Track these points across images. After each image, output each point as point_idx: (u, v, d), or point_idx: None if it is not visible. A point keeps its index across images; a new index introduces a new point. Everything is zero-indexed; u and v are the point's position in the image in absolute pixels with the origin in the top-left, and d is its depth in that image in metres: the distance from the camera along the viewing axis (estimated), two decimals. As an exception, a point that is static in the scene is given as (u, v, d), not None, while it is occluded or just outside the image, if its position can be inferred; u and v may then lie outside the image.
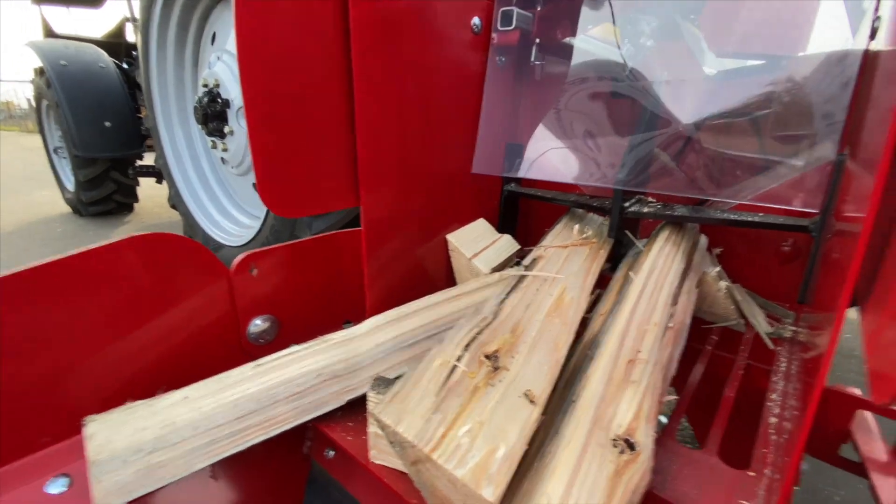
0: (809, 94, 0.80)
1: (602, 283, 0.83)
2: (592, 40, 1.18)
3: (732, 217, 0.78)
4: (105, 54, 3.95)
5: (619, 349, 0.59)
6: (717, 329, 0.83)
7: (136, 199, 4.29)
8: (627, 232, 0.87)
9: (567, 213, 1.01)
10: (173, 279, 0.71)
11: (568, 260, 0.82)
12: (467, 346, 0.56)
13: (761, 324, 0.81)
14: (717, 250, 0.93)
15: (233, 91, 1.86)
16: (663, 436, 0.59)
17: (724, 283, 0.82)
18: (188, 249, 0.71)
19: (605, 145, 1.04)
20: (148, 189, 4.44)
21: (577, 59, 1.11)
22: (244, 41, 0.58)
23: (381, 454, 0.61)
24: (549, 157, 1.04)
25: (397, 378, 0.54)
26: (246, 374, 0.65)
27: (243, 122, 1.80)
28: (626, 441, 0.49)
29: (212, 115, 1.93)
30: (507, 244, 1.05)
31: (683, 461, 0.55)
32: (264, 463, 0.75)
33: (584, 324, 0.73)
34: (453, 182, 0.97)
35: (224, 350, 0.77)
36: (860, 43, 0.75)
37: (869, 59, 0.69)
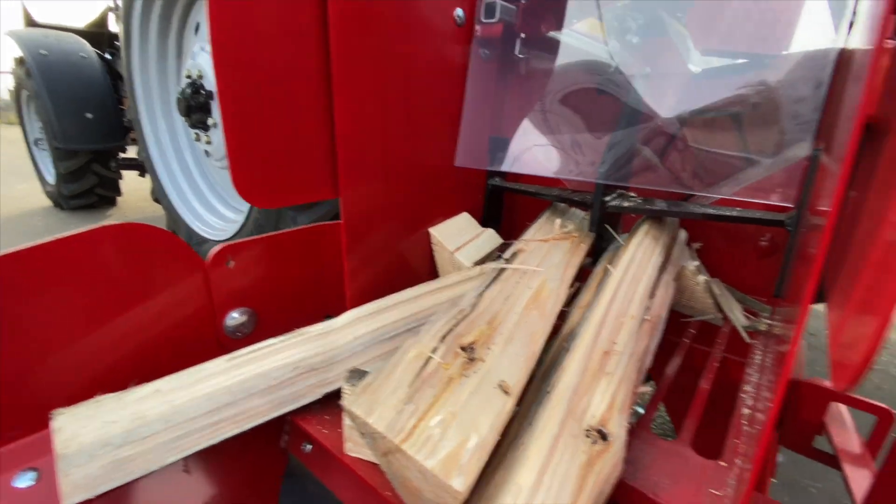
0: (786, 92, 0.81)
1: (583, 277, 0.83)
2: (578, 35, 1.18)
3: (711, 212, 0.78)
4: (87, 44, 3.86)
5: (595, 341, 0.59)
6: (695, 322, 0.84)
7: (118, 192, 4.21)
8: (608, 226, 0.87)
9: (549, 207, 1.01)
10: (148, 270, 0.69)
11: (549, 253, 0.82)
12: (443, 337, 0.56)
13: (738, 317, 0.82)
14: (697, 245, 0.94)
15: (217, 83, 1.82)
16: (638, 427, 0.60)
17: (702, 278, 0.83)
18: (163, 240, 0.70)
19: (588, 141, 1.04)
20: (131, 182, 4.36)
21: (562, 56, 1.11)
22: (217, 25, 0.56)
23: (356, 447, 0.61)
24: (532, 152, 1.04)
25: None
26: (220, 367, 0.64)
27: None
28: (599, 432, 0.49)
29: (195, 106, 1.89)
30: (490, 238, 1.04)
31: (656, 452, 0.56)
32: (241, 457, 0.74)
33: (563, 317, 0.74)
34: (436, 175, 0.96)
35: (200, 343, 0.76)
36: (840, 41, 0.76)
37: (844, 57, 0.70)
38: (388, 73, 0.76)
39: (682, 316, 0.85)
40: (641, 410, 1.06)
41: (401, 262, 0.93)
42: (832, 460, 0.80)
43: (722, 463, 0.54)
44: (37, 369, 0.62)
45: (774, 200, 0.77)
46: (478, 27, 0.92)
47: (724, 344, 0.78)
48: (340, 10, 0.65)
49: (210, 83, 1.84)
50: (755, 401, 0.65)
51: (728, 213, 0.77)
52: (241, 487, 0.75)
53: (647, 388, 0.56)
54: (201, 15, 2.05)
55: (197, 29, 2.09)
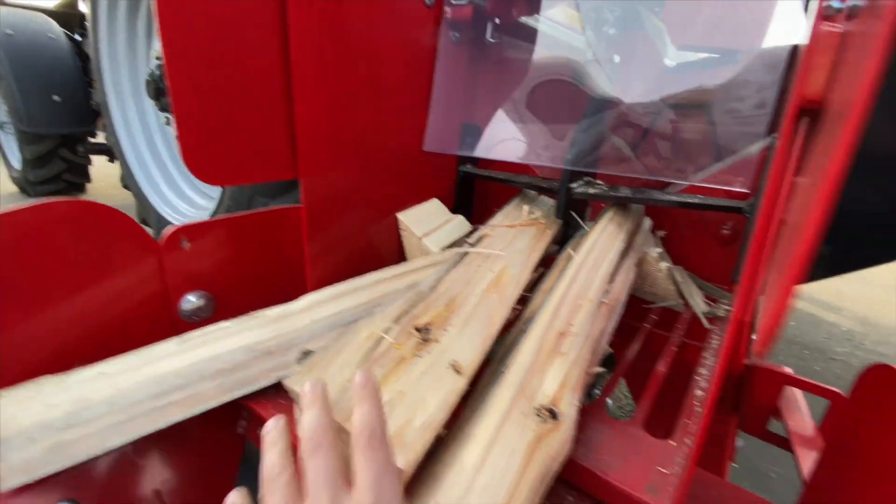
0: (749, 83, 0.82)
1: (549, 264, 0.83)
2: (553, 24, 1.18)
3: (674, 198, 0.79)
4: (55, 24, 3.71)
5: (552, 322, 0.59)
6: (656, 309, 0.85)
7: (87, 178, 4.07)
8: (573, 213, 0.87)
9: (519, 194, 1.01)
10: (97, 250, 0.67)
11: (514, 239, 0.82)
12: (398, 318, 0.55)
13: (699, 304, 0.83)
14: (661, 233, 0.95)
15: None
16: (592, 408, 0.60)
17: (664, 265, 0.84)
18: (113, 219, 0.67)
19: (557, 128, 1.04)
20: (101, 169, 4.22)
21: (535, 44, 1.10)
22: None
23: (309, 430, 0.59)
24: (502, 138, 1.04)
25: (323, 351, 0.53)
26: (169, 350, 0.62)
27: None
28: (550, 410, 0.49)
29: (165, 89, 1.84)
30: (460, 225, 1.04)
31: (609, 433, 0.56)
32: (197, 442, 0.72)
33: (527, 303, 0.73)
34: (405, 160, 0.95)
35: (154, 327, 0.74)
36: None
37: (797, 50, 0.72)
38: (352, 50, 0.75)
39: (644, 302, 0.86)
40: (599, 393, 1.07)
41: (366, 248, 0.92)
42: (786, 443, 0.82)
43: (672, 442, 0.55)
44: (-25, 352, 0.59)
45: (736, 187, 0.78)
46: (447, 8, 0.90)
47: (684, 329, 0.80)
48: (299, -17, 0.63)
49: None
50: (708, 383, 0.66)
51: (690, 200, 0.78)
52: (197, 473, 0.73)
53: (601, 369, 0.56)
54: (172, -6, 1.98)
55: (167, 9, 2.02)
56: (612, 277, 0.69)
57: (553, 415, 0.49)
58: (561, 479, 0.53)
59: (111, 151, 2.97)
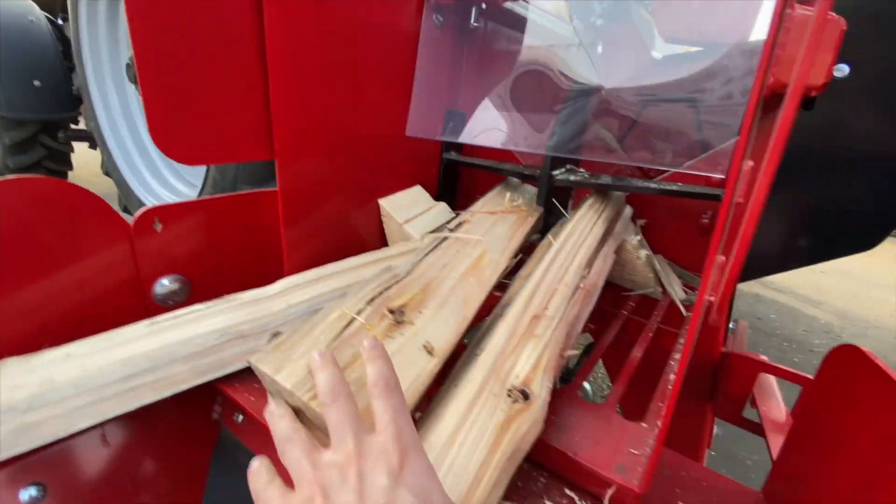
0: (727, 71, 0.82)
1: (531, 252, 0.83)
2: (540, 11, 1.17)
3: (653, 186, 0.79)
4: (36, 7, 3.60)
5: (527, 306, 0.59)
6: (635, 296, 0.86)
7: (69, 166, 3.98)
8: (554, 200, 0.87)
9: (503, 181, 1.01)
10: (66, 229, 0.65)
11: (494, 225, 0.81)
12: (371, 300, 0.54)
13: (677, 291, 0.84)
14: (642, 222, 0.95)
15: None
16: (566, 391, 0.60)
17: (644, 252, 0.84)
18: (83, 198, 0.65)
19: (541, 116, 1.03)
20: (83, 156, 4.13)
21: (519, 32, 1.10)
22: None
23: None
24: (486, 125, 1.03)
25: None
26: (139, 332, 0.61)
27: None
28: (522, 391, 0.49)
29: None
30: (442, 212, 1.03)
31: (581, 415, 0.56)
32: (169, 427, 0.71)
33: (505, 289, 0.73)
34: (387, 145, 0.94)
35: (128, 311, 0.72)
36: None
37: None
38: (330, 27, 0.73)
39: (623, 289, 0.87)
40: (587, 386, 1.07)
41: (347, 234, 0.91)
42: (760, 429, 0.83)
43: (644, 424, 0.55)
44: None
45: (717, 174, 0.79)
46: (430, -9, 0.89)
47: (661, 316, 0.80)
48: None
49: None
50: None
51: (670, 188, 0.78)
52: (169, 458, 0.72)
53: (575, 352, 0.56)
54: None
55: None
56: (589, 263, 0.69)
57: (525, 395, 0.49)
58: (532, 460, 0.54)
59: (92, 138, 2.91)
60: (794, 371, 0.78)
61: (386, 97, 0.90)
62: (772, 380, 0.87)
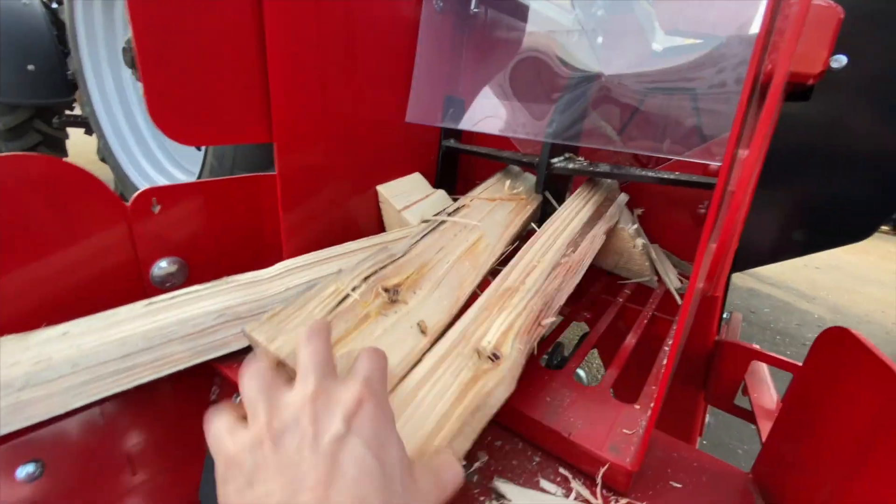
0: (726, 58, 0.82)
1: (528, 239, 0.83)
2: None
3: (650, 174, 0.80)
4: (30, -10, 3.54)
5: (504, 280, 0.59)
6: (631, 285, 0.86)
7: (64, 153, 3.94)
8: (554, 188, 0.87)
9: (503, 169, 1.01)
10: (63, 211, 0.64)
11: (492, 211, 0.81)
12: (367, 278, 0.55)
13: (672, 280, 0.85)
14: (639, 211, 0.96)
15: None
16: (561, 374, 0.61)
17: (640, 241, 0.84)
18: (81, 178, 0.65)
19: (540, 104, 1.03)
20: (78, 143, 4.09)
21: (520, 20, 1.09)
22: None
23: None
24: (486, 112, 1.03)
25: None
26: (136, 312, 0.61)
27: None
28: (492, 354, 0.50)
29: (142, 57, 1.78)
30: (441, 199, 1.03)
31: (576, 397, 0.57)
32: (168, 407, 0.72)
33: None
34: (387, 132, 0.94)
35: (125, 292, 0.72)
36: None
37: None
38: (331, 13, 0.73)
39: (619, 278, 0.87)
40: (582, 374, 1.09)
41: (345, 219, 0.91)
42: (751, 416, 0.85)
43: (637, 406, 0.56)
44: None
45: (717, 162, 0.79)
46: (431, -24, 0.88)
47: (656, 304, 0.81)
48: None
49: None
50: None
51: (668, 176, 0.79)
52: (168, 439, 0.73)
53: (553, 319, 0.57)
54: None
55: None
56: (574, 244, 0.70)
57: (494, 357, 0.49)
58: (527, 440, 0.54)
59: (88, 124, 2.88)
60: (785, 359, 0.79)
61: (386, 83, 0.89)
62: (763, 368, 0.88)
